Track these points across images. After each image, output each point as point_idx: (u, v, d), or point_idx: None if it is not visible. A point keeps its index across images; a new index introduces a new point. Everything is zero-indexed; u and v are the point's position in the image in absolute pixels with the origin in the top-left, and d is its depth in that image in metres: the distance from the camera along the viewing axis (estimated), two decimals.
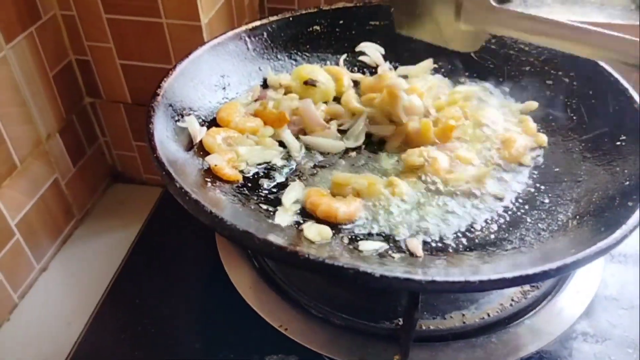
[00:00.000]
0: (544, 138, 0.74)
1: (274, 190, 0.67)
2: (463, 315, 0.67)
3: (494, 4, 0.64)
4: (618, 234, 0.51)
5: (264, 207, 0.64)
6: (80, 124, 1.04)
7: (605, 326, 0.67)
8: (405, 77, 0.85)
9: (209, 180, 0.64)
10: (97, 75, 1.01)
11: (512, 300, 0.68)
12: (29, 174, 0.91)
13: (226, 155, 0.68)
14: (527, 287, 0.69)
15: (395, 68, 0.86)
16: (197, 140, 0.68)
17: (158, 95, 0.66)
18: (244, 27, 0.81)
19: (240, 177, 0.67)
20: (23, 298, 0.93)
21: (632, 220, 0.53)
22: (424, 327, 0.65)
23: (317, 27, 0.87)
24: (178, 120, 0.68)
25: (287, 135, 0.73)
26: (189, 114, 0.70)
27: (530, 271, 0.47)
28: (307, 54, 0.87)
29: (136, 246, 0.79)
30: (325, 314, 0.66)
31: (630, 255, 0.75)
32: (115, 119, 1.07)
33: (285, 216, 0.62)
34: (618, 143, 0.67)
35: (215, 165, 0.65)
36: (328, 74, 0.81)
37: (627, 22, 1.00)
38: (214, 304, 0.71)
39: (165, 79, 0.68)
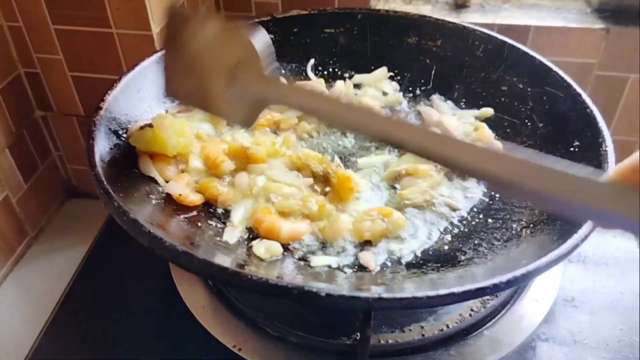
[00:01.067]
0: (499, 145, 0.73)
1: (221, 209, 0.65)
2: (422, 327, 0.65)
3: (266, 74, 0.56)
4: (569, 243, 0.51)
5: (213, 224, 0.62)
6: (32, 139, 1.01)
7: (565, 335, 0.66)
8: (359, 85, 0.84)
9: (154, 198, 0.61)
10: (47, 88, 0.98)
11: (472, 310, 0.67)
12: None
13: (183, 180, 0.65)
14: (486, 297, 0.68)
15: (350, 77, 0.85)
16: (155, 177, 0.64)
17: (101, 109, 0.63)
18: None
19: (203, 199, 0.64)
20: None
21: (584, 230, 0.52)
22: (382, 341, 0.63)
23: (271, 36, 0.84)
24: (122, 135, 0.65)
25: None
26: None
27: (480, 285, 0.46)
28: None
29: (85, 264, 0.77)
30: (280, 332, 0.64)
31: (589, 262, 0.75)
32: (69, 132, 1.04)
33: (234, 233, 0.60)
34: (572, 149, 0.66)
35: (180, 195, 0.62)
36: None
37: (583, 26, 1.00)
38: (166, 324, 0.69)
39: (109, 91, 0.66)
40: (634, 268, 0.74)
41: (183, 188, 0.62)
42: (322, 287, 0.45)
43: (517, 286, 0.68)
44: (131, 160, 0.64)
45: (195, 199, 0.63)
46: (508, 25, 1.01)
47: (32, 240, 1.03)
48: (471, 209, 0.66)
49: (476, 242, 0.61)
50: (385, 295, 0.44)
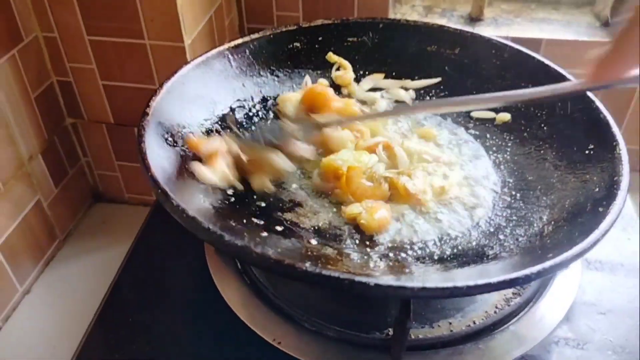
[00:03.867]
0: None
1: (263, 205, 0.69)
2: (450, 323, 0.69)
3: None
4: (592, 237, 0.54)
5: (255, 220, 0.65)
6: (62, 145, 1.05)
7: (585, 330, 0.70)
8: (379, 89, 0.89)
9: (201, 195, 0.65)
10: (78, 96, 1.02)
11: (496, 307, 0.71)
12: (11, 195, 0.91)
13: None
14: (509, 295, 0.72)
15: None
16: (216, 184, 0.68)
17: (147, 114, 0.66)
18: (226, 45, 0.82)
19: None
20: (6, 322, 0.92)
21: (604, 225, 0.56)
22: (412, 337, 0.67)
23: (297, 44, 0.89)
24: (168, 139, 0.69)
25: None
26: (190, 158, 0.70)
27: (513, 276, 0.49)
28: (289, 70, 0.89)
29: (125, 267, 0.79)
30: (317, 327, 0.67)
31: (606, 262, 0.78)
32: (97, 139, 1.07)
33: None
34: (587, 152, 0.70)
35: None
36: None
37: (593, 39, 1.05)
38: (206, 321, 0.71)
39: (153, 97, 0.69)
40: None
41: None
42: (370, 278, 0.48)
43: (544, 277, 0.70)
44: (176, 163, 0.68)
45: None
46: (520, 38, 1.06)
47: (62, 243, 1.06)
48: (493, 207, 0.70)
49: (501, 237, 0.65)
50: (428, 284, 0.48)
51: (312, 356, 0.64)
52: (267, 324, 0.67)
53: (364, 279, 0.48)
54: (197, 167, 0.67)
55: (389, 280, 0.48)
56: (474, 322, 0.69)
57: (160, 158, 0.63)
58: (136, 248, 0.81)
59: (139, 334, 0.70)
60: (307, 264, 0.48)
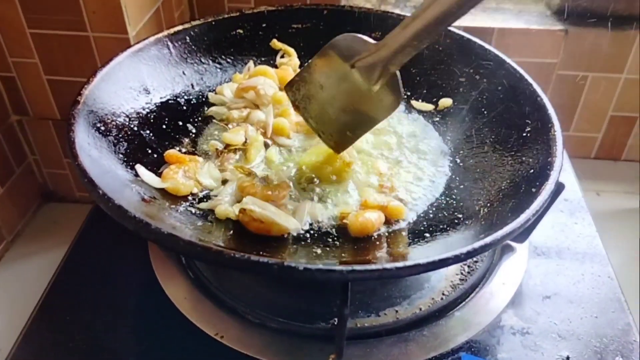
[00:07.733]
0: None
1: (200, 195, 0.68)
2: (396, 311, 0.68)
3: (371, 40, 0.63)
4: (522, 218, 0.54)
5: (191, 209, 0.64)
6: (7, 143, 1.01)
7: (530, 314, 0.70)
8: None
9: (135, 185, 0.63)
10: (23, 92, 0.99)
11: (443, 294, 0.70)
12: None
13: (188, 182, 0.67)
14: (456, 281, 0.72)
15: None
16: (158, 186, 0.65)
17: (78, 102, 0.65)
18: (165, 32, 0.80)
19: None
20: None
21: (535, 205, 0.56)
22: (358, 325, 0.66)
23: (240, 31, 0.88)
24: (100, 128, 0.67)
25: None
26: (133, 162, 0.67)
27: (441, 257, 0.49)
28: (232, 57, 0.88)
29: (66, 264, 0.77)
30: (261, 319, 0.66)
31: (553, 246, 0.79)
32: (45, 136, 1.05)
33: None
34: (524, 134, 0.70)
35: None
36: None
37: (543, 27, 1.06)
38: (148, 317, 0.70)
39: (85, 86, 0.67)
40: (593, 252, 0.78)
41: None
42: (299, 262, 0.47)
43: (474, 257, 0.70)
44: (108, 153, 0.66)
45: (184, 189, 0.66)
46: (473, 28, 1.06)
47: (9, 245, 1.03)
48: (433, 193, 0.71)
49: (440, 220, 0.65)
50: (357, 267, 0.47)
51: (256, 349, 0.63)
52: (210, 318, 0.66)
53: (292, 263, 0.47)
54: (141, 170, 0.66)
55: (317, 264, 0.47)
56: (420, 309, 0.68)
57: (90, 147, 0.61)
58: (76, 246, 0.78)
59: (78, 331, 0.68)
60: (235, 251, 0.47)
